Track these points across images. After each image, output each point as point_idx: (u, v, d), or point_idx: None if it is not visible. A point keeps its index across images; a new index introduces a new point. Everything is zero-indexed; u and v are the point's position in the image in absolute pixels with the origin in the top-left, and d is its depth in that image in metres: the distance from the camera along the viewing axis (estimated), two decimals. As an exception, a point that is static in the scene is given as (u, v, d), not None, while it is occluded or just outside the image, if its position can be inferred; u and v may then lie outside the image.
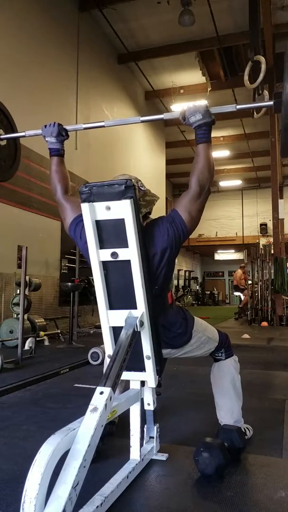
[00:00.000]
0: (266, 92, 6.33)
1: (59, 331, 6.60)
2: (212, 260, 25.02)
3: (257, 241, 12.97)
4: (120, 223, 1.62)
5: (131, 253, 1.63)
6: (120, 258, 1.66)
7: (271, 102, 1.80)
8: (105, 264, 1.70)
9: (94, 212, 1.65)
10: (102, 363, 3.23)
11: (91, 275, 1.73)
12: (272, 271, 9.72)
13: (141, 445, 1.83)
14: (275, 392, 3.31)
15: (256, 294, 9.96)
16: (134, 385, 1.83)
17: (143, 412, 1.87)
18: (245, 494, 1.59)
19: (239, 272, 11.54)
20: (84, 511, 1.35)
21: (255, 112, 7.11)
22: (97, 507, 1.38)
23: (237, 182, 19.34)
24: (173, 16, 8.49)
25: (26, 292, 5.21)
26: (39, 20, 7.02)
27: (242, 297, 11.54)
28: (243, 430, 2.03)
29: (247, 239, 19.63)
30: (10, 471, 1.80)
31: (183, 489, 1.64)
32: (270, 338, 6.95)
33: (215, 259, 24.71)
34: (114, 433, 2.14)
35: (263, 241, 12.44)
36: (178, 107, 11.58)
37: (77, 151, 7.97)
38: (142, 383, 1.83)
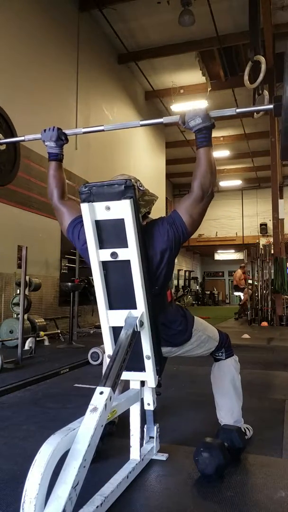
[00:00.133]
0: (266, 92, 6.34)
1: (59, 331, 6.60)
2: (212, 260, 25.02)
3: (257, 241, 12.98)
4: (120, 223, 1.62)
5: (131, 253, 1.63)
6: (120, 258, 1.66)
7: (271, 106, 1.80)
8: (105, 264, 1.70)
9: (93, 212, 1.65)
10: (102, 363, 3.22)
11: (91, 275, 1.73)
12: (272, 271, 9.72)
13: (141, 445, 1.83)
14: (275, 392, 3.31)
15: (256, 294, 9.97)
16: (134, 385, 1.83)
17: (143, 412, 1.87)
18: (245, 494, 1.59)
19: (238, 272, 11.55)
20: (84, 511, 1.35)
21: (255, 112, 7.11)
22: (97, 507, 1.38)
23: (237, 182, 19.34)
24: (173, 16, 8.49)
25: (26, 292, 5.21)
26: (39, 20, 7.02)
27: (242, 297, 11.55)
28: (243, 430, 2.03)
29: (247, 239, 19.63)
30: (10, 471, 1.80)
31: (183, 489, 1.64)
32: (270, 338, 6.95)
33: (215, 259, 24.72)
34: (114, 433, 2.14)
35: (263, 241, 12.45)
36: (178, 107, 11.69)
37: (77, 151, 7.97)
38: (142, 383, 1.83)
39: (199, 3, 8.09)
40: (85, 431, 1.25)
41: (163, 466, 1.84)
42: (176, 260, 1.91)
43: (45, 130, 2.03)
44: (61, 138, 2.02)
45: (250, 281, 10.64)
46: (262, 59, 5.72)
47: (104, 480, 1.57)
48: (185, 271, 19.58)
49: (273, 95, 9.24)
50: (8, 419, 2.55)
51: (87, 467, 1.21)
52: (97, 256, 1.68)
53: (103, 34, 9.39)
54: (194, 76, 11.21)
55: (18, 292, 5.53)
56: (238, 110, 1.87)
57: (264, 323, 9.32)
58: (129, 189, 1.60)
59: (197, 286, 22.43)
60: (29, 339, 5.04)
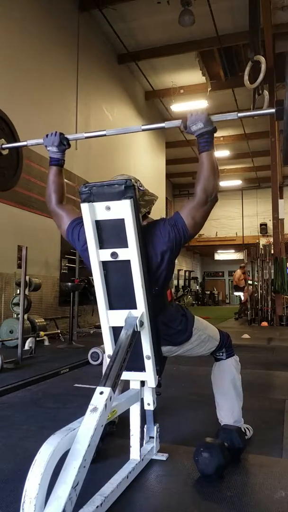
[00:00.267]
0: (266, 92, 6.32)
1: (59, 331, 6.60)
2: (212, 260, 25.02)
3: (257, 241, 12.98)
4: (120, 223, 1.62)
5: (131, 253, 1.63)
6: (120, 258, 1.66)
7: (273, 110, 1.80)
8: (105, 264, 1.70)
9: (94, 212, 1.65)
10: (102, 363, 3.23)
11: (91, 275, 1.73)
12: (272, 271, 9.72)
13: (141, 445, 1.83)
14: (275, 392, 3.31)
15: (256, 294, 9.97)
16: (134, 385, 1.83)
17: (143, 412, 1.87)
18: (245, 494, 1.59)
19: (238, 272, 11.56)
20: (84, 511, 1.35)
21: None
22: (97, 507, 1.38)
23: (237, 182, 19.34)
24: (173, 16, 8.49)
25: (26, 292, 5.21)
26: (39, 20, 7.02)
27: (242, 297, 11.56)
28: (243, 430, 2.03)
29: (247, 239, 19.63)
30: (10, 471, 1.80)
31: (183, 489, 1.64)
32: (270, 338, 6.95)
33: (215, 259, 24.72)
34: (114, 433, 2.15)
35: (263, 241, 12.45)
36: (178, 107, 11.68)
37: (77, 151, 7.97)
38: (142, 383, 1.83)
39: (199, 3, 8.09)
40: (85, 431, 1.25)
41: (163, 466, 1.84)
42: (176, 260, 1.91)
43: (47, 135, 2.03)
44: (63, 143, 2.02)
45: (250, 282, 10.64)
46: (262, 59, 5.70)
47: (104, 480, 1.57)
48: (185, 271, 19.58)
49: (274, 96, 9.27)
50: (8, 419, 2.55)
51: (87, 467, 1.21)
52: (97, 256, 1.68)
53: (103, 34, 9.39)
54: (194, 76, 11.22)
55: (18, 292, 5.53)
56: (239, 115, 1.86)
57: (264, 323, 9.32)
58: (129, 189, 1.60)
59: (197, 286, 22.43)
60: (29, 339, 5.04)
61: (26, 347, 4.90)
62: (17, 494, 1.51)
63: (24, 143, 2.21)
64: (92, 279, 1.74)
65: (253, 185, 19.86)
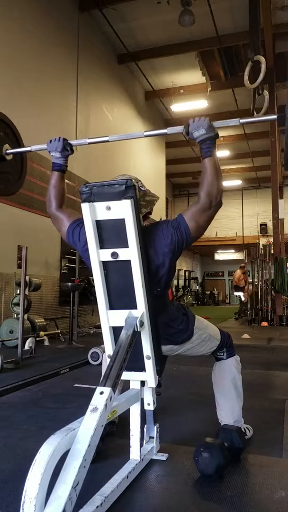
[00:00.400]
0: (266, 92, 6.33)
1: (59, 331, 6.60)
2: (212, 260, 25.01)
3: (257, 241, 12.98)
4: (120, 223, 1.62)
5: (131, 253, 1.63)
6: (120, 258, 1.66)
7: (275, 116, 1.81)
8: (105, 264, 1.70)
9: (94, 212, 1.65)
10: (102, 363, 3.23)
11: (91, 275, 1.73)
12: (272, 271, 9.73)
13: (141, 445, 1.83)
14: (275, 392, 3.31)
15: (256, 290, 9.97)
16: (134, 385, 1.83)
17: (143, 412, 1.87)
18: (245, 494, 1.59)
19: (238, 272, 11.56)
20: (84, 511, 1.35)
21: (255, 112, 7.12)
22: (97, 507, 1.38)
23: (237, 182, 19.33)
24: (173, 16, 8.49)
25: (26, 292, 5.21)
26: (39, 20, 7.02)
27: (242, 297, 11.56)
28: (243, 430, 2.03)
29: (247, 239, 19.63)
30: (10, 471, 1.80)
31: (183, 489, 1.64)
32: (270, 338, 6.95)
33: (215, 259, 24.71)
34: (114, 433, 2.15)
35: (263, 241, 12.45)
36: (178, 107, 11.68)
37: (77, 151, 7.85)
38: (142, 383, 1.83)
39: (199, 3, 8.09)
40: (85, 431, 1.25)
41: (163, 466, 1.84)
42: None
43: (51, 141, 2.04)
44: (66, 149, 2.03)
45: (250, 281, 10.64)
46: (262, 59, 5.71)
47: (104, 480, 1.57)
48: (185, 271, 19.57)
49: (274, 96, 9.27)
50: (8, 419, 2.55)
51: (87, 467, 1.21)
52: (97, 256, 1.68)
53: (103, 34, 9.39)
54: (194, 76, 11.22)
55: (18, 292, 5.53)
56: (241, 121, 1.87)
57: (264, 323, 9.32)
58: (130, 189, 1.60)
59: (197, 286, 22.42)
60: (29, 339, 5.04)
61: (26, 347, 4.90)
62: (17, 494, 1.51)
63: (28, 148, 2.22)
64: (92, 279, 1.74)
65: (253, 185, 19.85)
